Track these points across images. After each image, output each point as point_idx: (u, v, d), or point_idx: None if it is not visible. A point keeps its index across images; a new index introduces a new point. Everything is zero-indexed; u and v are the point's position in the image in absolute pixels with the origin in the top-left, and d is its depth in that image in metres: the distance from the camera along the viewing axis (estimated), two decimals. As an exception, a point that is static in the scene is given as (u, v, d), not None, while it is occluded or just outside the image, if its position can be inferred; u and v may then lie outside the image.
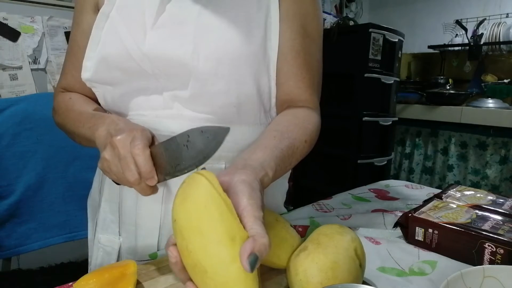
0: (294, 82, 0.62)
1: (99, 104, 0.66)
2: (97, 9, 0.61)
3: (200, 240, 0.34)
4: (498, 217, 0.59)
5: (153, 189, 0.48)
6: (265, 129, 0.57)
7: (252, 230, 0.34)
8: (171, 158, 0.46)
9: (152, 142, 0.49)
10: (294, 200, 2.44)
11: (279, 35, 0.61)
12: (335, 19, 2.72)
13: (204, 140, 0.40)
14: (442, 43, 2.75)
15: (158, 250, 0.61)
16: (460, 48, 2.69)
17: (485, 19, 2.54)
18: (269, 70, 0.61)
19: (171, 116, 0.59)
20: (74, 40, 0.65)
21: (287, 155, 0.52)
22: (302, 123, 0.58)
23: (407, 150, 2.62)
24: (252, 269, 0.32)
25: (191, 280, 0.37)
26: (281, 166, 0.50)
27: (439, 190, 0.81)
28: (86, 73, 0.60)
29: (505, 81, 2.43)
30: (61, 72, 0.69)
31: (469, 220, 0.57)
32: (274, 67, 0.61)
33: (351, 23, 2.56)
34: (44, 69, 1.69)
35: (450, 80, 2.64)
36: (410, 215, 0.61)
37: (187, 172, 0.45)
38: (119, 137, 0.46)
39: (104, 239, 0.66)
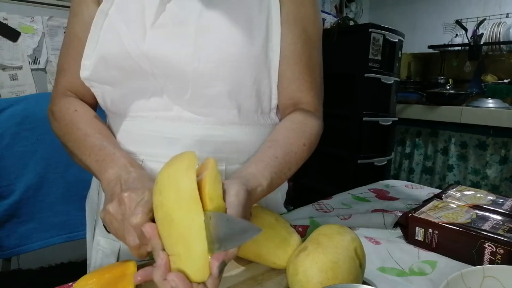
0: (296, 86, 0.63)
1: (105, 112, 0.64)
2: (97, 0, 0.60)
3: (175, 195, 0.36)
4: (498, 217, 0.59)
5: (145, 257, 0.43)
6: (264, 141, 0.58)
7: None
8: None
9: None
10: (294, 200, 2.44)
11: (281, 39, 0.61)
12: (335, 19, 2.72)
13: (227, 229, 0.36)
14: (442, 43, 2.75)
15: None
16: (460, 48, 2.69)
17: (485, 19, 2.54)
18: (270, 72, 0.61)
19: (170, 118, 0.59)
20: (73, 33, 0.62)
21: (284, 162, 0.52)
22: (300, 128, 0.59)
23: (407, 150, 2.62)
24: (219, 274, 0.36)
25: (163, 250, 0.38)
26: (278, 174, 0.51)
27: (439, 190, 0.81)
28: (85, 72, 0.59)
29: (505, 81, 2.43)
30: (58, 69, 0.64)
31: (469, 220, 0.57)
32: (276, 70, 0.61)
33: (351, 23, 2.55)
34: (44, 69, 1.69)
35: (450, 80, 2.64)
36: (410, 215, 0.61)
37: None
38: (128, 194, 0.43)
39: (103, 242, 0.65)
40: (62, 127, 0.59)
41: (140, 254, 0.42)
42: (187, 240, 0.36)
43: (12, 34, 1.59)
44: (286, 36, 0.61)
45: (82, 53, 0.60)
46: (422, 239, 0.58)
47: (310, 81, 0.63)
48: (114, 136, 0.64)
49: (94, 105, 0.66)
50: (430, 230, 0.57)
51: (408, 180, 2.44)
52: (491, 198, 0.70)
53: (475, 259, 0.53)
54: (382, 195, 0.87)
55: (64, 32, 1.76)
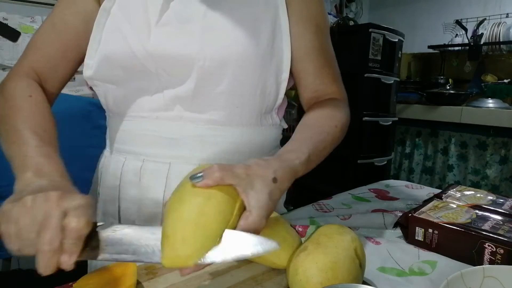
0: (320, 79, 0.64)
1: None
2: None
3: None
4: (498, 217, 0.59)
5: (53, 269, 0.36)
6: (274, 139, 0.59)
7: None
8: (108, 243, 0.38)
9: None
10: (294, 200, 2.44)
11: (299, 38, 0.62)
12: (335, 19, 2.72)
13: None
14: (442, 43, 2.75)
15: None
16: (460, 48, 2.69)
17: (485, 19, 2.54)
18: (278, 71, 0.61)
19: (171, 118, 0.59)
20: (60, 17, 0.59)
21: (318, 141, 0.53)
22: (328, 112, 0.59)
23: (407, 150, 2.61)
24: None
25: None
26: (315, 151, 0.51)
27: (439, 190, 0.81)
28: (88, 71, 0.59)
29: (505, 81, 2.43)
30: (29, 46, 0.60)
31: (469, 220, 0.57)
32: (286, 69, 0.62)
33: (351, 23, 2.56)
34: (44, 69, 1.69)
35: (450, 80, 2.64)
36: (410, 215, 0.60)
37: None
38: (60, 193, 0.36)
39: None
40: (6, 107, 0.52)
41: (50, 262, 0.35)
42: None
43: (12, 34, 1.59)
44: (304, 34, 0.62)
45: (64, 39, 0.58)
46: (422, 239, 0.58)
47: (332, 73, 0.65)
48: (115, 136, 0.64)
49: (55, 94, 0.62)
50: (430, 230, 0.57)
51: (408, 180, 2.44)
52: (491, 198, 0.70)
53: (475, 259, 0.53)
54: (382, 195, 0.87)
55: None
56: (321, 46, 0.64)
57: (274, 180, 0.42)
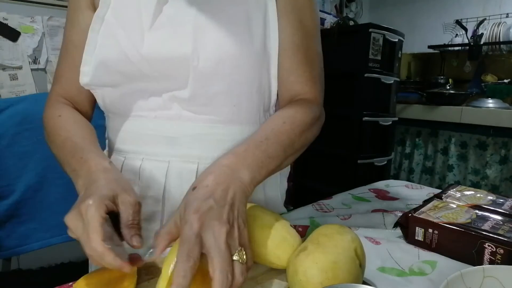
0: (295, 77, 0.62)
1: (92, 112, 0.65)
2: (93, 6, 0.60)
3: None
4: (498, 217, 0.59)
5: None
6: None
7: None
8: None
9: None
10: (294, 200, 2.44)
11: (279, 31, 0.61)
12: (335, 19, 2.72)
13: None
14: (442, 43, 2.75)
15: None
16: (460, 48, 2.69)
17: (485, 19, 2.54)
18: (269, 68, 0.61)
19: (170, 117, 0.59)
20: (69, 40, 0.63)
21: (256, 134, 0.51)
22: (282, 113, 0.57)
23: (407, 150, 2.62)
24: None
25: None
26: (250, 145, 0.49)
27: (439, 190, 0.81)
28: (85, 78, 0.59)
29: (505, 81, 2.43)
30: (53, 78, 0.65)
31: (469, 220, 0.57)
32: (275, 65, 0.61)
33: (351, 23, 2.56)
34: (44, 69, 1.69)
35: (450, 80, 2.64)
36: (410, 215, 0.60)
37: None
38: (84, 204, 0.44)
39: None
40: (47, 135, 0.59)
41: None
42: None
43: (12, 34, 1.59)
44: (285, 28, 0.61)
45: (78, 60, 0.60)
46: (422, 239, 0.58)
47: (309, 72, 0.63)
48: (114, 136, 0.64)
49: (90, 113, 0.66)
50: (430, 230, 0.57)
51: (408, 180, 2.44)
52: (491, 198, 0.70)
53: (475, 259, 0.53)
54: (382, 195, 0.87)
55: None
56: (301, 43, 0.62)
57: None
